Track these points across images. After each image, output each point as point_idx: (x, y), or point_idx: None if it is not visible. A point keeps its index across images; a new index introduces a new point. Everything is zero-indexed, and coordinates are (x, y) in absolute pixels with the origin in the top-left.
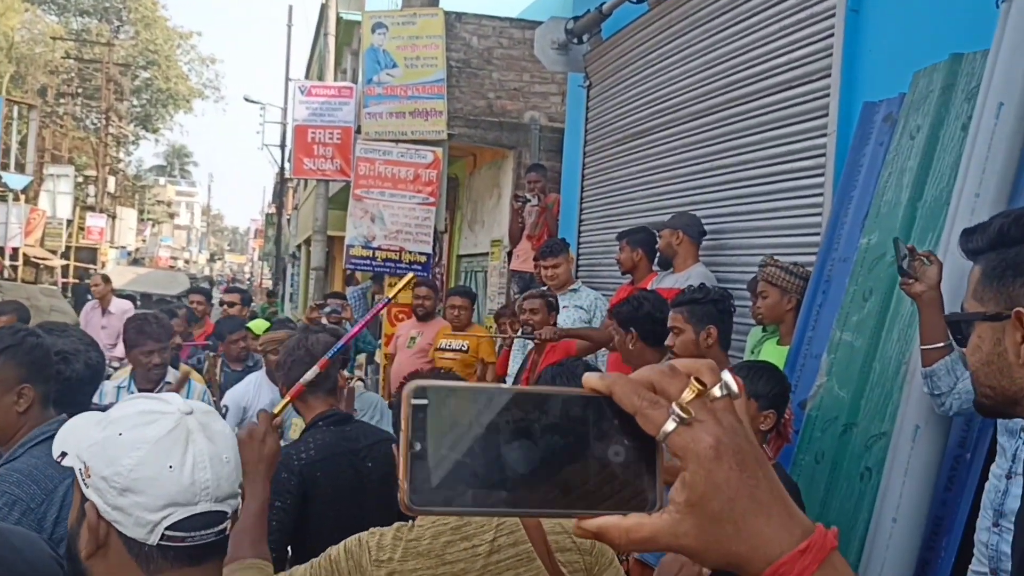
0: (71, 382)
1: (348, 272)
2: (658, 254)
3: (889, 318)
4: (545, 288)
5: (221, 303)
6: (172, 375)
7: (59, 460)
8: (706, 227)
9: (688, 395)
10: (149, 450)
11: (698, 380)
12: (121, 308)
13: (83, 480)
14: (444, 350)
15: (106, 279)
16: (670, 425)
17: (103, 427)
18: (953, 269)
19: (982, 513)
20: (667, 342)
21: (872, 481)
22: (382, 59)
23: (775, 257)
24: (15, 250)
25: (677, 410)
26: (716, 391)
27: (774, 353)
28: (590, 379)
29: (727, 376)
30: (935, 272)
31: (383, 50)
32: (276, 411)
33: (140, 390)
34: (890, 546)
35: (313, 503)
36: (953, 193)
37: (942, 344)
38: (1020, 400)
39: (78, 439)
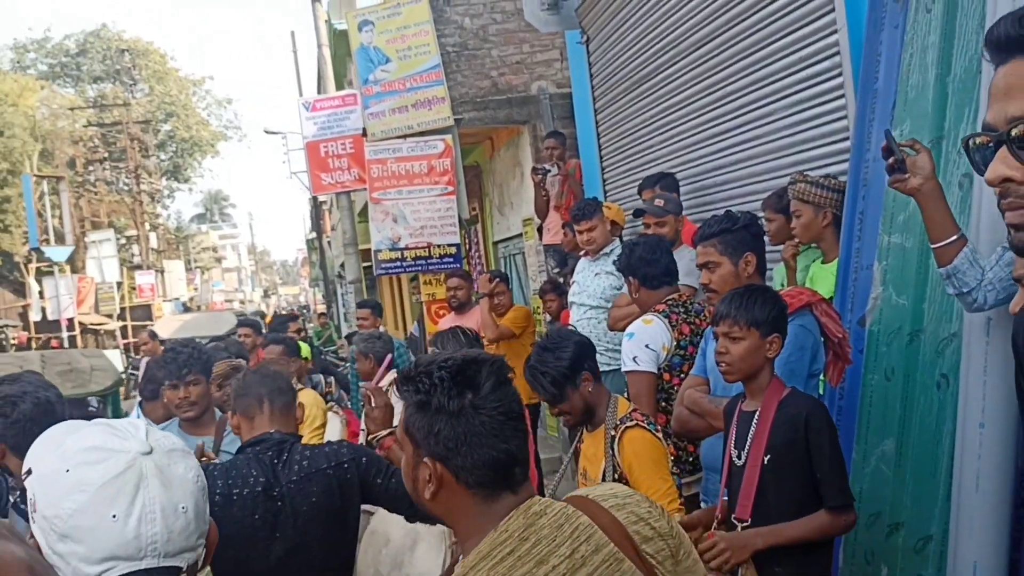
0: (21, 423)
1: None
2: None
3: None
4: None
5: (237, 336)
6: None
7: (24, 478)
8: (726, 156)
9: None
10: (92, 495)
11: None
12: None
13: (32, 512)
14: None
15: (153, 335)
16: None
17: (58, 455)
18: None
19: None
20: (701, 280)
21: (951, 388)
22: (374, 56)
23: (804, 173)
24: (70, 320)
25: None
26: None
27: (823, 273)
28: None
29: None
30: (926, 160)
31: (373, 47)
32: None
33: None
34: (982, 455)
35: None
36: None
37: (955, 237)
38: None
39: (39, 460)
